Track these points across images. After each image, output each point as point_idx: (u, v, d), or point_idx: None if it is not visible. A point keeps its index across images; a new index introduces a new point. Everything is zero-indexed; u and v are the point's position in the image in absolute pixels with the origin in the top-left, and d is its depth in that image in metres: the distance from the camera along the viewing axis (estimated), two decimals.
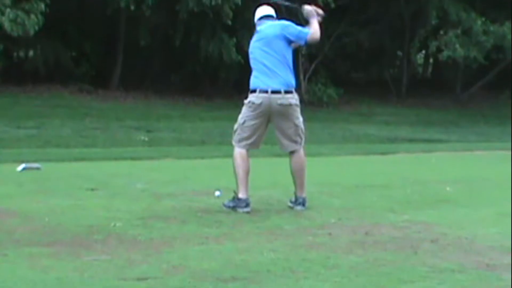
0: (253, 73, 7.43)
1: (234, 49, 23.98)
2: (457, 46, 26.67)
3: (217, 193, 7.88)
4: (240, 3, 22.73)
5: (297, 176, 7.47)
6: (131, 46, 25.95)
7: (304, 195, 7.45)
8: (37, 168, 10.01)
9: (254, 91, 7.36)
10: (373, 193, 8.67)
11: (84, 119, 19.39)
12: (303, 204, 7.40)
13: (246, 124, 7.36)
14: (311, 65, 27.49)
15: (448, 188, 9.36)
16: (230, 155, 13.25)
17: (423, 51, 34.04)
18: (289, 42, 7.40)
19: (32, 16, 20.36)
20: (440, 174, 11.51)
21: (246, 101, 7.40)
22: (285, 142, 7.43)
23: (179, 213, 6.88)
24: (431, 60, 35.97)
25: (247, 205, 7.15)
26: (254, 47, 7.46)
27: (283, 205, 7.52)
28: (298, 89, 25.40)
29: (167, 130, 18.57)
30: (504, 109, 29.05)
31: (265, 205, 7.53)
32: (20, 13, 20.19)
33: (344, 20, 27.72)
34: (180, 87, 26.35)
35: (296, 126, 7.40)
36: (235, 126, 7.44)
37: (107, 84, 25.23)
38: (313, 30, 7.38)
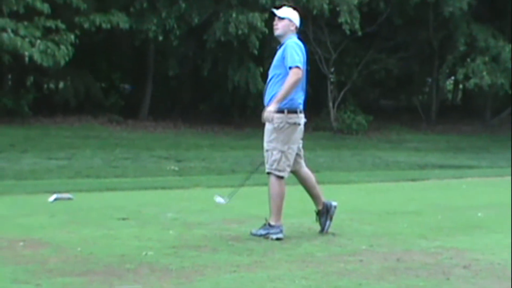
0: (296, 90, 7.16)
1: (260, 79, 24.07)
2: (484, 73, 26.59)
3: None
4: (267, 32, 22.85)
5: (271, 202, 7.24)
6: (160, 76, 26.17)
7: (272, 222, 7.16)
8: (69, 199, 10.08)
9: (295, 111, 7.21)
10: (404, 220, 8.63)
11: (115, 150, 19.52)
12: (264, 232, 7.13)
13: (293, 151, 7.26)
14: (340, 93, 27.52)
15: (479, 214, 9.30)
16: (260, 183, 13.28)
17: (452, 78, 33.96)
18: None
19: (62, 47, 20.64)
20: (471, 200, 11.43)
21: (281, 124, 7.11)
22: None
23: (210, 241, 6.89)
24: (460, 86, 35.84)
25: (281, 231, 7.13)
26: (304, 63, 7.22)
27: (314, 232, 7.50)
28: (327, 116, 25.21)
29: (197, 159, 18.62)
30: None
31: (296, 232, 7.52)
32: (50, 44, 20.49)
33: (372, 48, 27.77)
34: (209, 117, 26.48)
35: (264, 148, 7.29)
36: (274, 154, 7.15)
37: (137, 115, 25.42)
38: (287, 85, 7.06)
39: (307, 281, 5.29)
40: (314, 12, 23.81)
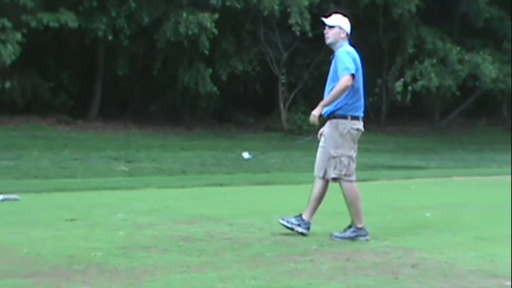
0: (355, 98, 7.30)
1: (209, 80, 24.04)
2: (432, 75, 26.97)
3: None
4: (217, 33, 22.84)
5: (349, 206, 7.38)
6: (110, 76, 25.99)
7: (359, 225, 7.30)
8: (15, 199, 9.94)
9: (357, 118, 7.33)
10: None
11: (63, 150, 19.31)
12: (352, 235, 7.28)
13: (355, 155, 7.36)
14: (291, 94, 27.61)
15: (427, 214, 9.41)
16: (210, 184, 13.29)
17: (402, 79, 34.32)
18: None
19: (9, 46, 20.35)
20: (420, 200, 11.54)
21: (345, 130, 7.25)
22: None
23: (160, 242, 6.85)
24: (409, 88, 36.26)
25: (367, 233, 7.27)
26: (359, 69, 7.36)
27: (264, 232, 7.50)
28: (278, 117, 25.15)
29: (147, 160, 18.51)
30: (482, 135, 29.35)
31: (246, 233, 7.51)
32: None
33: (323, 49, 27.88)
34: (160, 117, 26.36)
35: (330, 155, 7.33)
36: (343, 160, 7.25)
37: (86, 115, 25.19)
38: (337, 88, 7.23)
39: (257, 281, 5.29)
40: (265, 13, 23.87)
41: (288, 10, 24.01)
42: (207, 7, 23.14)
